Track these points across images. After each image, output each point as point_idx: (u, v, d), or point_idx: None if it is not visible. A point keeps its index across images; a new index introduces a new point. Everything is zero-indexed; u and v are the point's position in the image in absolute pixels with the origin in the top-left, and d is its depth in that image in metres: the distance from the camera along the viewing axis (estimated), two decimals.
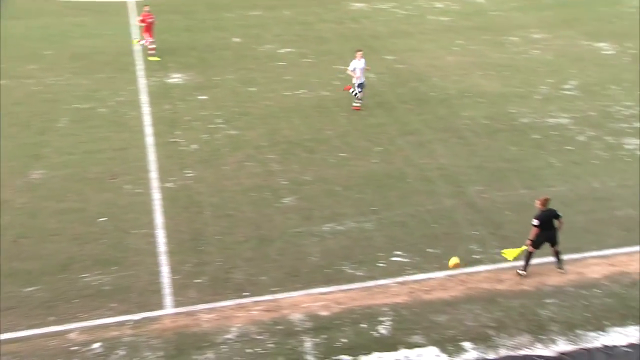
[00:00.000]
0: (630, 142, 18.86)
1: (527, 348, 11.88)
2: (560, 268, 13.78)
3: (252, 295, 13.25)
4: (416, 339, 12.12)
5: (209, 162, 18.12)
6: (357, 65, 20.11)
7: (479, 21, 29.99)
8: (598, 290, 13.21)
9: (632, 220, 15.17)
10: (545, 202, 13.45)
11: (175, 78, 23.78)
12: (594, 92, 22.20)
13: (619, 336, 12.04)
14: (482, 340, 12.07)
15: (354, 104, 20.86)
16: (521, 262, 13.69)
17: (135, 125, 20.05)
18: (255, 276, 13.77)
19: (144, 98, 21.88)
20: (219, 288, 13.41)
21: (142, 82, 23.12)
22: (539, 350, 11.82)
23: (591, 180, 17.04)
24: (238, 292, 13.32)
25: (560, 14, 30.62)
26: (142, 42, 25.78)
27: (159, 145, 18.93)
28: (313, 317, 12.69)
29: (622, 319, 12.44)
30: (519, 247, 13.73)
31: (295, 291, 13.36)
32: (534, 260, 13.78)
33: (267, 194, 16.70)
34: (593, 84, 22.87)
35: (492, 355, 11.70)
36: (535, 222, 13.35)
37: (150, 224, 15.30)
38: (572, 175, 17.33)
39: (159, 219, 15.57)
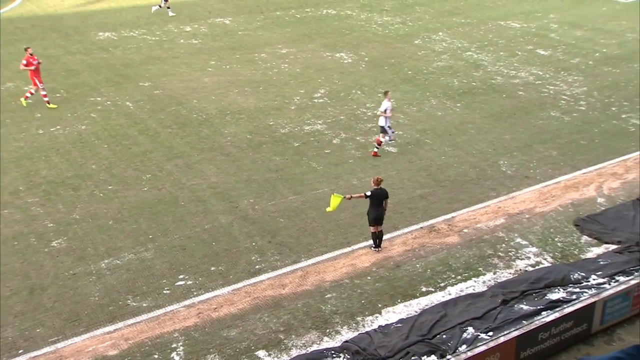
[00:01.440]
0: None
1: (315, 344, 12.56)
2: (378, 247, 15.14)
3: (26, 351, 12.30)
4: (210, 358, 12.21)
5: None
6: (387, 106, 19.50)
7: (228, 41, 30.89)
8: (369, 278, 14.41)
9: (389, 209, 16.77)
10: (377, 181, 14.81)
11: None
12: (341, 98, 24.12)
13: (392, 315, 13.26)
14: (274, 345, 12.52)
15: (375, 150, 19.83)
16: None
17: None
18: (29, 330, 12.81)
19: None
20: None
21: None
22: (326, 343, 12.56)
23: (350, 178, 18.51)
24: (10, 352, 12.27)
25: (300, 29, 32.73)
26: (33, 90, 23.10)
27: None
28: (100, 359, 12.16)
29: (392, 299, 13.72)
30: (336, 200, 14.65)
31: (77, 336, 12.70)
32: (315, 260, 14.77)
33: (32, 240, 15.61)
34: (339, 90, 24.83)
35: (285, 358, 12.20)
36: (368, 193, 14.68)
37: None
38: (333, 175, 18.66)
39: None
